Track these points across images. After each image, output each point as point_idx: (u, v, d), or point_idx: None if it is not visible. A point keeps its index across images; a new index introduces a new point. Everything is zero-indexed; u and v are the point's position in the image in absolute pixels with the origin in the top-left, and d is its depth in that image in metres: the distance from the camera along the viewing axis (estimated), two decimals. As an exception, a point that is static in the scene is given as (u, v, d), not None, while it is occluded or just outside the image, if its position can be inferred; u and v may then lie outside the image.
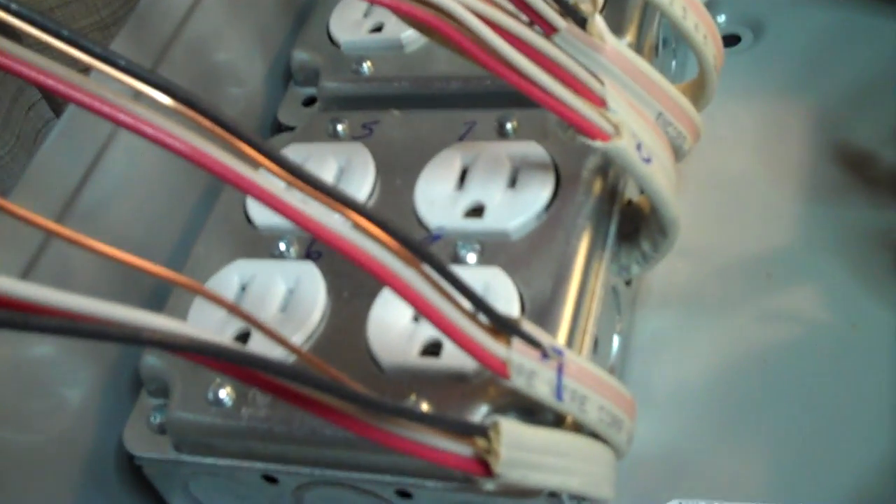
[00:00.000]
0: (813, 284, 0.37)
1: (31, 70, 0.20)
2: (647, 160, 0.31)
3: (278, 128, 0.41)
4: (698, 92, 0.37)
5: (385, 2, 0.28)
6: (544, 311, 0.30)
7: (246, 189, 0.22)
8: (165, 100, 0.21)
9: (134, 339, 0.19)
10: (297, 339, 0.31)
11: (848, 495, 0.32)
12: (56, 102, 0.69)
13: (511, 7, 0.30)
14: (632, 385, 0.35)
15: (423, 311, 0.24)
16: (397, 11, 0.28)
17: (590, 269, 0.32)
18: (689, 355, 0.36)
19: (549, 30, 0.31)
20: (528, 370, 0.26)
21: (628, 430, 0.29)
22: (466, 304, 0.25)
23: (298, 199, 0.22)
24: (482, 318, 0.25)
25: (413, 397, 0.29)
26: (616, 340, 0.35)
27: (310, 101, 0.41)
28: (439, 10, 0.28)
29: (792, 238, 0.38)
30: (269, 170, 0.22)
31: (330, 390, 0.23)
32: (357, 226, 0.23)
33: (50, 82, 0.20)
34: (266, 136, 0.40)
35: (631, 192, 0.35)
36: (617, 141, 0.30)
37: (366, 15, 0.41)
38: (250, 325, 0.27)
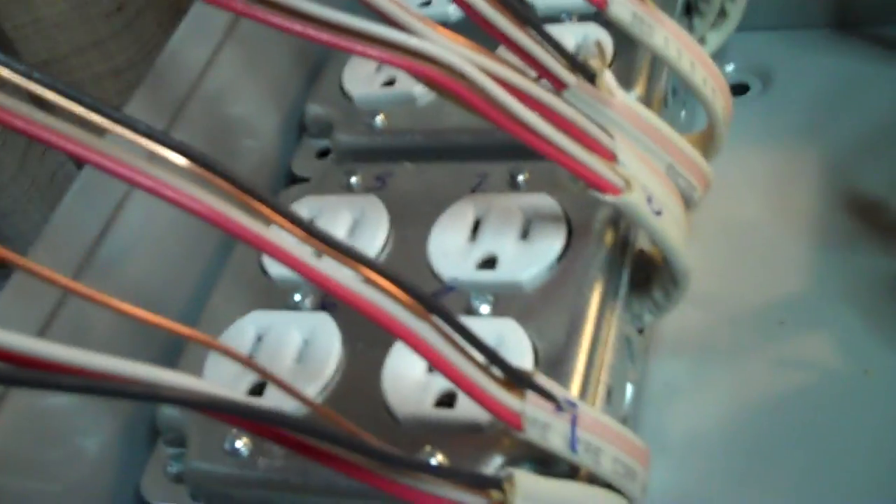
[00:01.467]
0: (825, 331, 0.37)
1: (53, 135, 0.20)
2: (658, 213, 0.31)
3: (292, 179, 0.42)
4: (708, 143, 0.38)
5: (396, 62, 0.28)
6: (558, 362, 0.30)
7: (260, 247, 0.22)
8: (181, 160, 0.22)
9: (152, 396, 0.20)
10: (313, 389, 0.32)
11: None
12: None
13: (520, 63, 0.30)
14: (645, 432, 0.35)
15: (435, 364, 0.24)
16: (410, 72, 0.28)
17: (602, 319, 0.32)
18: (702, 403, 0.37)
19: (559, 86, 0.31)
20: (542, 423, 0.26)
21: (642, 479, 0.29)
22: (479, 357, 0.25)
23: (310, 255, 0.22)
24: (495, 370, 0.26)
25: (428, 448, 0.29)
26: (629, 389, 0.35)
27: (324, 153, 0.42)
28: (449, 70, 0.28)
29: (803, 285, 0.39)
30: (281, 226, 0.23)
31: (345, 445, 0.24)
32: (368, 280, 0.23)
33: (72, 148, 0.20)
34: (280, 187, 0.41)
35: (642, 242, 0.36)
36: (628, 195, 0.30)
37: (378, 69, 0.42)
38: (265, 378, 0.28)
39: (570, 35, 0.40)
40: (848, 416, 0.35)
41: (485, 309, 0.32)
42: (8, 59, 0.20)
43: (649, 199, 0.31)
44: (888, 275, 0.38)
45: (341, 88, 0.42)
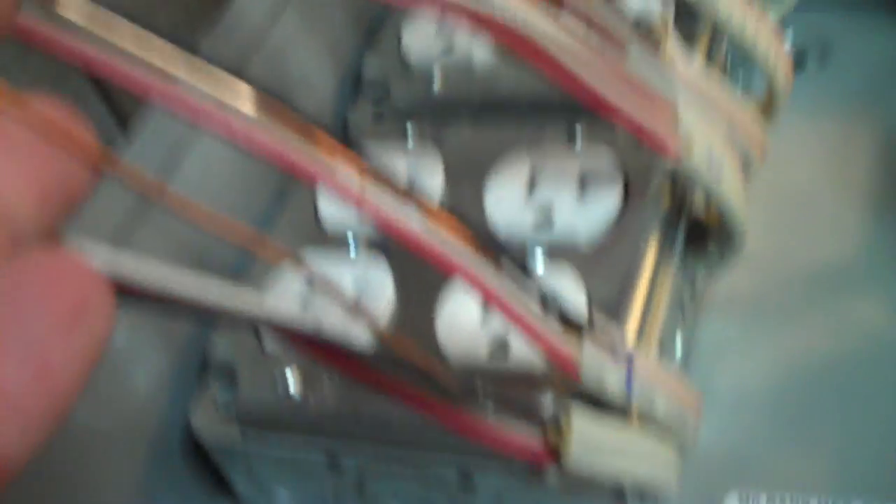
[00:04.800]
0: (876, 298, 0.37)
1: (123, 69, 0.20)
2: (717, 175, 0.31)
3: (347, 140, 0.42)
4: (765, 113, 0.38)
5: (459, 13, 0.28)
6: (612, 316, 0.30)
7: (325, 182, 0.22)
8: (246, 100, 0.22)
9: (237, 316, 0.20)
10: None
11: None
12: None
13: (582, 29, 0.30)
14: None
15: (497, 305, 0.25)
16: (472, 23, 0.29)
17: (657, 276, 0.32)
18: (752, 362, 0.37)
19: (621, 50, 0.32)
20: (598, 368, 0.26)
21: (694, 426, 0.29)
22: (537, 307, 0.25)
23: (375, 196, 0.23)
24: (553, 319, 0.26)
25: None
26: (680, 346, 0.36)
27: (378, 116, 0.42)
28: (512, 24, 0.29)
29: (858, 250, 0.39)
30: (347, 167, 0.23)
31: (415, 374, 0.24)
32: (432, 222, 0.23)
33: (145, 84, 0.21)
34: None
35: (699, 203, 0.36)
36: (688, 156, 0.30)
37: (437, 33, 0.42)
38: (334, 300, 0.27)
39: (633, 1, 0.40)
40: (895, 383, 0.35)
41: (540, 265, 0.32)
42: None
43: (709, 162, 0.31)
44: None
45: (399, 51, 0.43)
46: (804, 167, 0.42)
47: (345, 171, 0.23)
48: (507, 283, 0.25)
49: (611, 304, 0.31)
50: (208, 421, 0.34)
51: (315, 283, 0.27)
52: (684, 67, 0.32)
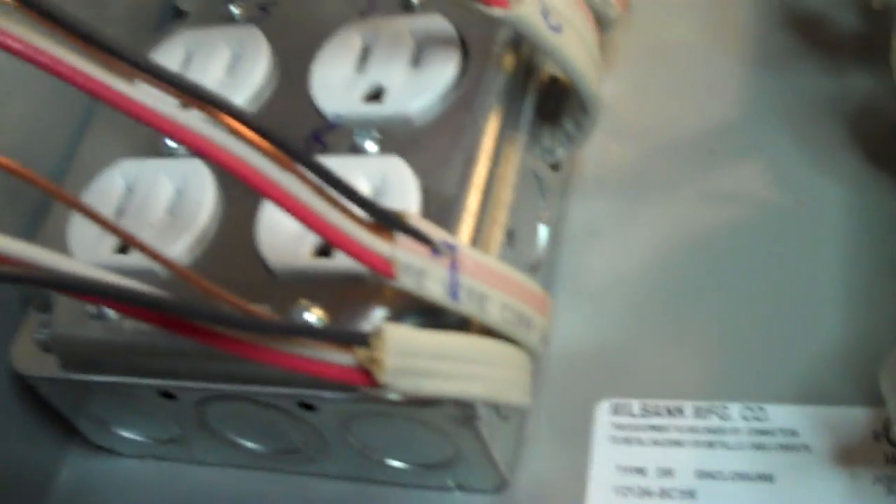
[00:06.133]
0: (758, 160, 0.34)
1: None
2: (557, 28, 0.27)
3: (177, 13, 0.38)
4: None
5: None
6: (448, 203, 0.27)
7: (120, 107, 0.20)
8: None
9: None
10: (184, 242, 0.29)
11: (794, 388, 0.29)
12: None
13: None
14: (563, 277, 0.33)
15: (295, 213, 0.21)
16: None
17: (501, 153, 0.29)
18: (626, 242, 0.34)
19: None
20: (416, 269, 0.23)
21: (541, 328, 0.26)
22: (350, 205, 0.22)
23: (174, 108, 0.20)
24: (366, 216, 0.23)
25: (304, 302, 0.26)
26: (543, 230, 0.32)
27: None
28: None
29: (736, 110, 0.35)
30: (145, 81, 0.20)
31: (204, 317, 0.21)
32: (232, 131, 0.21)
33: None
34: (165, 23, 0.37)
35: (552, 68, 0.32)
36: (518, 7, 0.26)
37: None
38: (127, 241, 0.26)
39: None
40: (780, 250, 0.32)
41: (371, 146, 0.29)
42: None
43: (546, 13, 0.27)
44: (827, 96, 0.34)
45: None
46: (680, 16, 0.39)
47: (144, 91, 0.20)
48: (308, 189, 0.21)
49: (447, 186, 0.27)
50: (28, 356, 0.31)
51: (109, 229, 0.24)
52: None
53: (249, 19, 0.34)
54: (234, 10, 0.34)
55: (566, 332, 0.32)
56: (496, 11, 0.26)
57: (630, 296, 0.33)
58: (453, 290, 0.24)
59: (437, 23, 0.30)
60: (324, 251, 0.27)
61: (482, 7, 0.26)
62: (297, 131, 0.30)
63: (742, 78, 0.36)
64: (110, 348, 0.28)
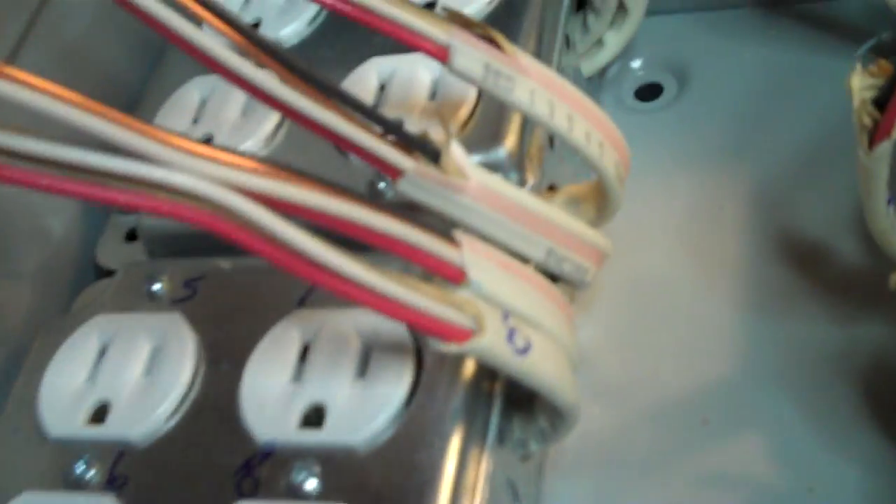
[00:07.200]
0: (758, 432, 0.30)
1: None
2: (524, 350, 0.23)
3: (100, 271, 0.34)
4: (602, 198, 0.30)
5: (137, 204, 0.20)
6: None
7: None
8: None
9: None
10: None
11: None
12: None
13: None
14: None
15: None
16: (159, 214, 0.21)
17: (465, 471, 0.24)
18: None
19: (393, 174, 0.24)
20: None
21: None
22: None
23: None
24: None
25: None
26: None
27: (133, 235, 0.34)
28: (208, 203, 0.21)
29: (730, 367, 0.31)
30: None
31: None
32: None
33: None
34: (88, 281, 0.33)
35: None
36: (479, 338, 0.22)
37: (195, 121, 0.34)
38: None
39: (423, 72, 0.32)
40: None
41: (311, 483, 0.24)
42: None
43: (511, 335, 0.23)
44: (835, 349, 0.30)
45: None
46: (661, 247, 0.35)
47: None
48: None
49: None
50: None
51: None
52: (479, 181, 0.24)
53: (173, 300, 0.29)
54: (158, 287, 0.30)
55: None
56: (451, 348, 0.22)
57: None
58: None
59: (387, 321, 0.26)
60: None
61: (438, 344, 0.22)
62: (224, 462, 0.26)
63: (732, 324, 0.32)
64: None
